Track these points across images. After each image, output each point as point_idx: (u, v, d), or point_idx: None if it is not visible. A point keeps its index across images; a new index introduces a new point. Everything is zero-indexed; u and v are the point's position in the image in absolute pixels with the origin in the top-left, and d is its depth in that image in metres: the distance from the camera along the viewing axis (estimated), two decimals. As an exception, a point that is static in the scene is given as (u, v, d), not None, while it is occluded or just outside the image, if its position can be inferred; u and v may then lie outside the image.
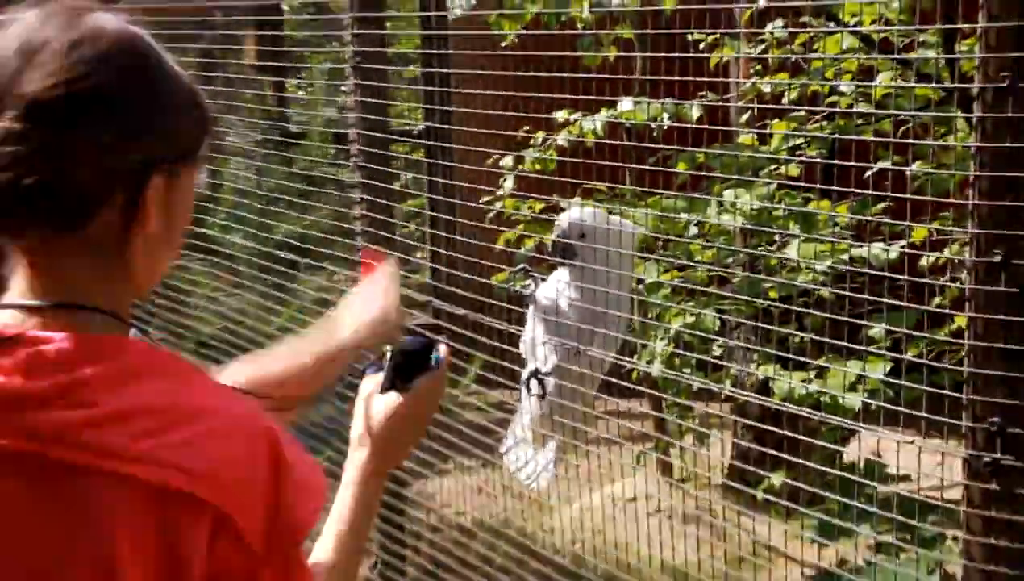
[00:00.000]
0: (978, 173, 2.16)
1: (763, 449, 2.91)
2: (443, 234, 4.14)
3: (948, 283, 2.94)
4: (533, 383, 3.62)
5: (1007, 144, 2.11)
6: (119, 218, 1.52)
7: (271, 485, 1.51)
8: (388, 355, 2.07)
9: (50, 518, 1.47)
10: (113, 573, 1.45)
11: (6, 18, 1.52)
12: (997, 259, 2.12)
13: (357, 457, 1.96)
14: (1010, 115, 2.10)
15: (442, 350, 2.08)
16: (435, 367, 2.05)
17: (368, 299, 2.31)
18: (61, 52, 1.47)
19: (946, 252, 2.74)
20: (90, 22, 1.51)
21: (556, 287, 3.60)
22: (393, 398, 1.99)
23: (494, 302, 3.77)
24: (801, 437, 2.88)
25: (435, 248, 4.22)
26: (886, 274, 2.71)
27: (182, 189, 1.60)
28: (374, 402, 1.99)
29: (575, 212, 3.46)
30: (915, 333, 2.66)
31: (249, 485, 1.49)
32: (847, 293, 2.73)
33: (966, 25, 2.95)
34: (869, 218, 3.05)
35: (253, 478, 1.50)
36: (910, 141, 2.97)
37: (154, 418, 1.47)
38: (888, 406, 2.64)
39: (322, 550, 1.82)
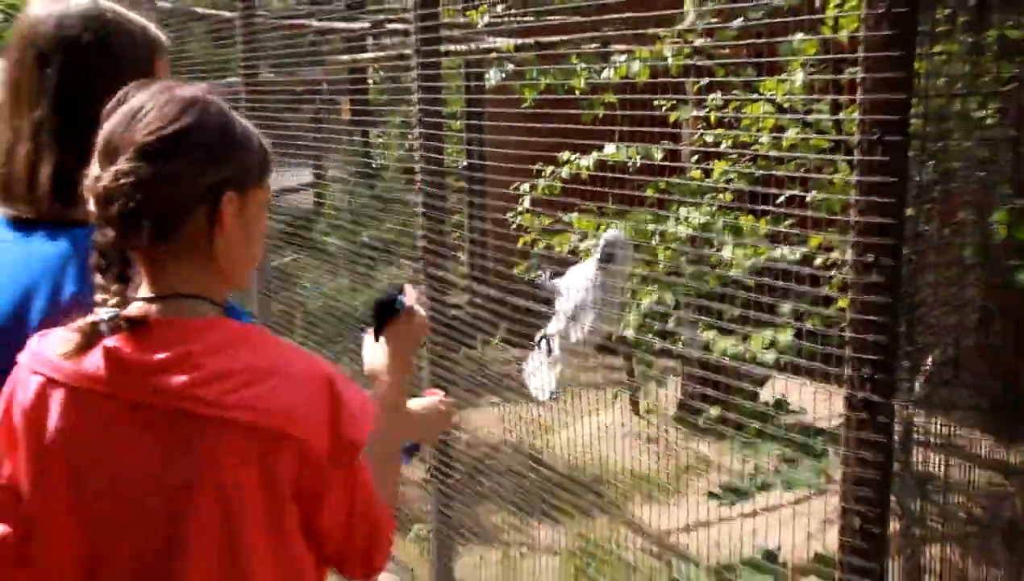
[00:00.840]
0: (857, 198, 2.15)
1: (704, 390, 2.91)
2: (478, 238, 4.17)
3: (834, 274, 2.95)
4: (543, 343, 3.63)
5: (877, 178, 2.11)
6: (204, 226, 1.52)
7: (332, 416, 1.51)
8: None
9: (175, 453, 1.47)
10: (225, 490, 1.47)
11: (121, 95, 1.54)
12: (870, 259, 2.13)
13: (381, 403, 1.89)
14: (879, 158, 2.10)
15: (407, 295, 1.97)
16: (399, 310, 1.94)
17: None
18: (156, 112, 1.50)
19: (834, 254, 2.74)
20: (176, 92, 1.53)
21: (577, 278, 3.62)
22: (372, 346, 1.96)
23: (515, 286, 3.78)
24: (731, 382, 2.90)
25: (472, 247, 4.23)
26: (795, 269, 2.73)
27: (251, 204, 1.58)
28: (364, 353, 1.96)
29: (613, 232, 3.53)
30: (812, 309, 2.67)
31: (316, 418, 1.49)
32: (765, 281, 2.75)
33: (847, 97, 2.95)
34: (780, 230, 3.07)
35: (318, 413, 1.50)
36: (808, 176, 3.00)
37: (243, 376, 1.47)
38: (795, 359, 2.65)
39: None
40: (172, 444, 1.47)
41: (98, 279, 1.51)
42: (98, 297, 1.50)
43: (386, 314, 1.95)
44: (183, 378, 1.45)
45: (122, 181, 1.45)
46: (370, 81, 5.42)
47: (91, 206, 1.50)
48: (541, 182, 3.76)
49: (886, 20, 2.08)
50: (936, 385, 2.61)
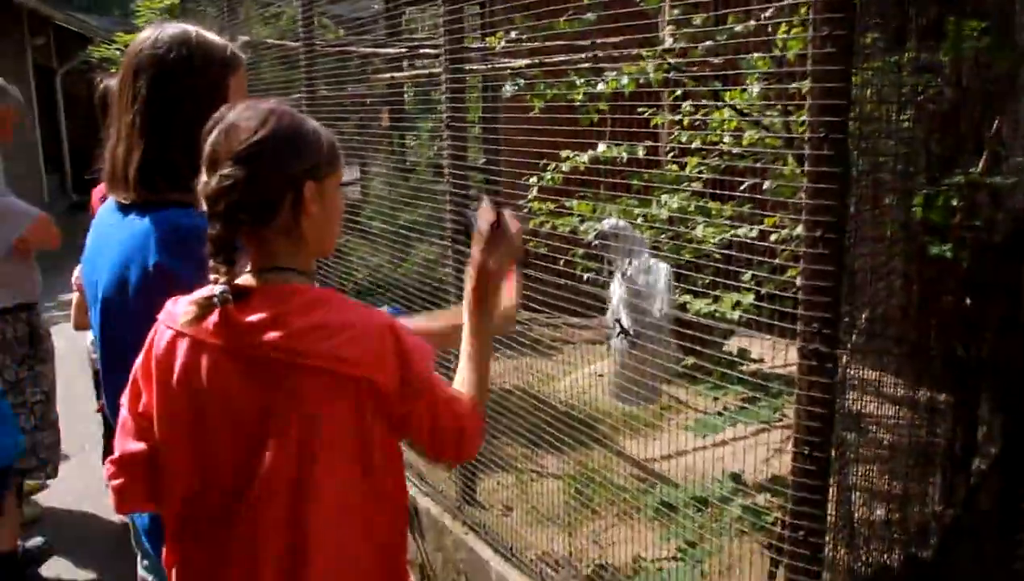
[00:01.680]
0: (808, 185, 2.15)
1: (681, 343, 2.93)
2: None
3: (785, 248, 2.95)
4: (618, 326, 3.57)
5: (824, 169, 2.11)
6: (291, 210, 1.60)
7: (398, 358, 1.55)
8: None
9: (270, 391, 1.54)
10: (307, 420, 1.52)
11: (217, 115, 1.62)
12: (818, 234, 2.13)
13: (465, 304, 1.86)
14: (826, 153, 2.10)
15: (505, 217, 1.86)
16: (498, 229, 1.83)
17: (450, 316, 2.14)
18: (243, 125, 1.58)
19: (785, 232, 2.74)
20: (257, 107, 1.60)
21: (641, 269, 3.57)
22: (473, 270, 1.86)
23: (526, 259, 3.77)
24: (703, 336, 2.91)
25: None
26: (757, 244, 2.74)
27: (328, 189, 1.65)
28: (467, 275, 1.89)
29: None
30: (769, 277, 2.69)
31: (385, 361, 1.54)
32: (731, 253, 2.77)
33: (795, 104, 2.95)
34: (742, 212, 3.09)
35: (386, 356, 1.54)
36: (766, 167, 3.00)
37: (324, 330, 1.52)
38: (756, 318, 2.67)
39: (458, 378, 1.80)
40: (269, 385, 1.53)
41: (211, 263, 1.57)
42: (211, 276, 1.57)
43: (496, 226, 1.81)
44: (276, 334, 1.52)
45: (224, 184, 1.53)
46: (405, 95, 5.43)
47: (203, 206, 1.58)
48: (547, 175, 3.76)
49: (829, 40, 2.08)
50: (868, 338, 2.61)
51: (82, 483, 5.38)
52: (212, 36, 1.96)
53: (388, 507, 1.67)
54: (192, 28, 1.94)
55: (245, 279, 1.61)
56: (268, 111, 1.60)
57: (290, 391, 1.52)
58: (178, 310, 1.62)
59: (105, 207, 2.00)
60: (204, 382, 1.59)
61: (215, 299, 1.54)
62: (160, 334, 1.66)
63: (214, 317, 1.56)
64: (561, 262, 3.45)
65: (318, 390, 1.52)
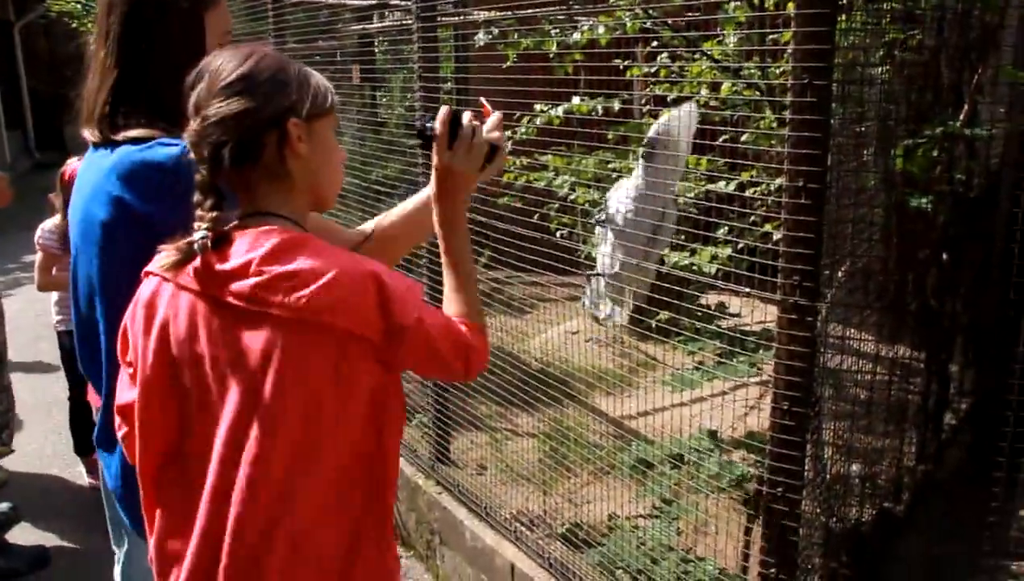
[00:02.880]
0: (790, 133, 2.10)
1: (658, 297, 2.90)
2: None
3: (766, 201, 2.92)
4: (593, 282, 3.48)
5: (807, 116, 2.05)
6: (276, 150, 1.57)
7: (380, 305, 1.50)
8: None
9: (245, 345, 1.51)
10: (286, 372, 1.49)
11: (200, 66, 1.59)
12: (800, 184, 2.09)
13: (435, 218, 1.78)
14: (809, 100, 2.04)
15: (462, 118, 1.74)
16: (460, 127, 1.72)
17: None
18: (223, 66, 1.57)
19: (778, 182, 2.71)
20: (237, 50, 1.60)
21: (624, 196, 3.37)
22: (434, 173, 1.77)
23: (497, 213, 3.72)
24: (681, 290, 2.88)
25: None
26: (738, 194, 2.71)
27: (318, 131, 1.61)
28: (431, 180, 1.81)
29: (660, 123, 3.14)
30: (748, 226, 2.66)
31: (365, 310, 1.49)
32: (708, 204, 2.73)
33: (777, 47, 2.90)
34: (719, 164, 3.05)
35: (366, 305, 1.49)
36: (748, 115, 2.96)
37: (300, 277, 1.47)
38: (735, 270, 2.64)
39: (446, 301, 1.76)
40: (241, 334, 1.51)
41: (197, 210, 1.55)
42: (195, 223, 1.55)
43: (455, 129, 1.72)
44: (248, 283, 1.48)
45: (206, 124, 1.53)
46: (376, 49, 5.33)
47: (192, 155, 1.57)
48: (520, 129, 3.70)
49: (813, -15, 2.02)
50: (847, 292, 2.60)
51: (49, 447, 5.32)
52: None
53: (375, 460, 1.61)
54: None
55: (221, 228, 1.56)
56: (248, 52, 1.58)
57: (263, 340, 1.49)
58: (161, 256, 1.59)
59: (86, 155, 1.98)
60: (182, 330, 1.56)
61: (195, 245, 1.52)
62: (146, 282, 1.64)
63: (194, 263, 1.54)
64: (535, 217, 3.40)
65: (290, 340, 1.48)
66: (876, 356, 2.78)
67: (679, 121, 2.98)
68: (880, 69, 2.55)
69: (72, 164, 4.42)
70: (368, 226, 2.10)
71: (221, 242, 1.54)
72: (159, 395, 1.61)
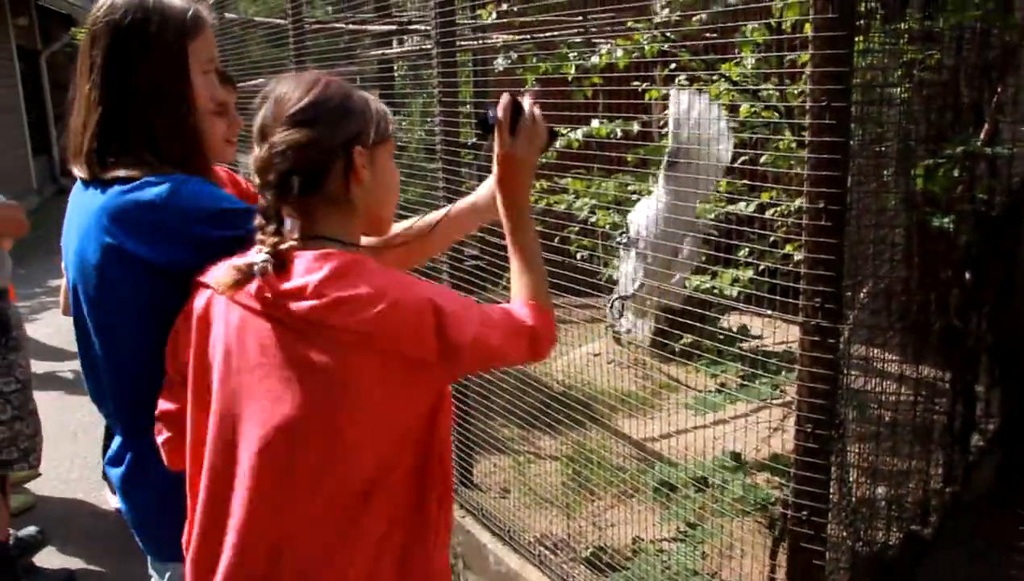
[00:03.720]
0: (809, 155, 2.11)
1: (681, 320, 2.88)
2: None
3: (781, 223, 2.90)
4: (616, 304, 3.48)
5: (827, 138, 2.06)
6: (341, 178, 1.60)
7: (436, 327, 1.51)
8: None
9: (302, 364, 1.52)
10: (342, 391, 1.50)
11: (265, 90, 1.64)
12: (820, 206, 2.09)
13: (501, 210, 1.82)
14: (828, 122, 2.06)
15: (523, 104, 1.82)
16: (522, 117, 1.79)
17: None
18: (289, 94, 1.60)
19: (798, 202, 2.70)
20: (302, 77, 1.64)
21: (645, 210, 3.31)
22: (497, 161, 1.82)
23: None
24: (704, 312, 2.86)
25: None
26: (758, 216, 2.70)
27: (378, 158, 1.65)
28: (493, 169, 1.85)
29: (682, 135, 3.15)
30: (768, 249, 2.65)
31: (422, 331, 1.50)
32: (729, 226, 2.72)
33: (791, 72, 2.90)
34: (739, 186, 3.04)
35: (423, 326, 1.50)
36: (768, 138, 2.95)
37: (358, 301, 1.48)
38: (756, 293, 2.63)
39: (512, 282, 1.79)
40: (299, 353, 1.52)
41: (259, 235, 1.59)
42: (256, 247, 1.57)
43: (516, 116, 1.78)
44: (310, 303, 1.50)
45: (274, 151, 1.56)
46: (395, 74, 5.36)
47: (255, 180, 1.61)
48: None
49: (832, 7, 2.03)
50: (869, 313, 2.58)
51: (75, 471, 5.35)
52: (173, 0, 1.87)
53: (429, 465, 1.62)
54: None
55: (282, 252, 1.58)
56: (314, 79, 1.61)
57: (319, 360, 1.50)
58: (219, 273, 1.62)
59: (75, 189, 1.96)
60: (234, 345, 1.58)
61: (255, 268, 1.55)
62: (200, 295, 1.67)
63: (255, 283, 1.56)
64: (556, 239, 3.40)
65: (347, 360, 1.49)
66: (900, 376, 2.75)
67: (707, 122, 2.91)
68: (899, 89, 2.54)
69: None
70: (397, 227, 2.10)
71: (281, 265, 1.56)
72: (207, 406, 1.62)
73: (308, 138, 1.56)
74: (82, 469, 5.36)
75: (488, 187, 2.02)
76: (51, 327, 7.96)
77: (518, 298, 1.76)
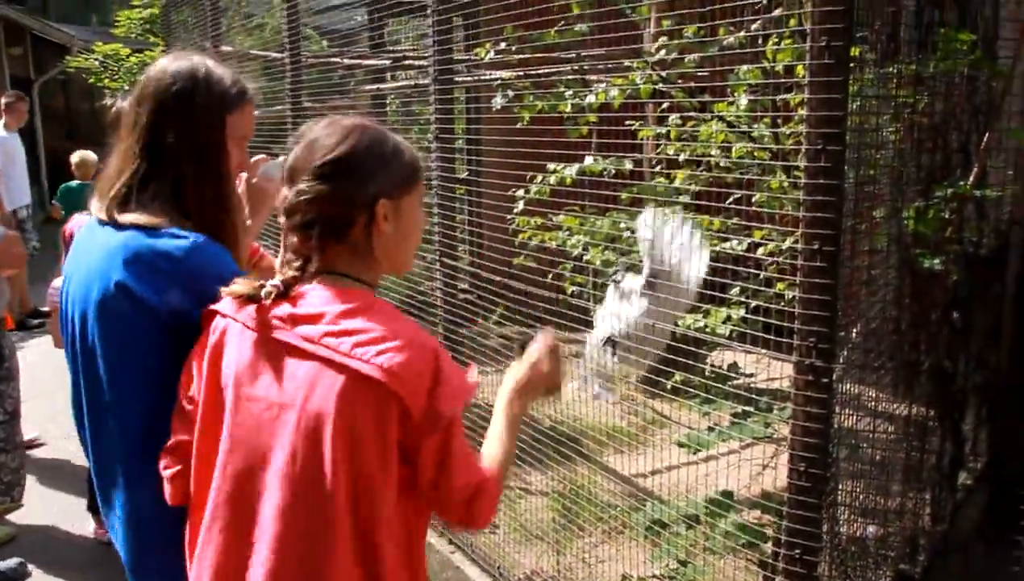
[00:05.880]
0: (804, 198, 2.12)
1: (671, 357, 2.88)
2: (476, 233, 4.13)
3: (774, 262, 2.91)
4: (608, 346, 3.48)
5: (821, 181, 2.08)
6: (364, 228, 1.62)
7: (431, 386, 1.51)
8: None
9: (311, 387, 1.53)
10: (345, 421, 1.51)
11: (301, 130, 1.67)
12: (815, 247, 2.10)
13: (503, 392, 1.84)
14: (823, 165, 2.07)
15: (540, 338, 1.90)
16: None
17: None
18: (322, 142, 1.61)
19: (788, 242, 2.71)
20: (339, 124, 1.63)
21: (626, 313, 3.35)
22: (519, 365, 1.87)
23: (508, 271, 3.74)
24: (696, 350, 2.86)
25: (472, 238, 4.18)
26: (750, 255, 2.71)
27: (405, 207, 1.65)
28: (517, 363, 1.88)
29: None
30: (760, 289, 2.66)
31: (419, 384, 1.50)
32: (720, 266, 2.73)
33: (787, 114, 2.92)
34: (730, 224, 3.06)
35: (422, 380, 1.50)
36: (761, 179, 2.97)
37: (369, 335, 1.50)
38: (750, 331, 2.63)
39: (484, 449, 1.76)
40: (310, 380, 1.53)
41: (282, 267, 1.65)
42: (278, 276, 1.63)
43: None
44: (322, 328, 1.53)
45: (301, 198, 1.58)
46: (389, 107, 5.39)
47: (282, 219, 1.64)
48: (533, 188, 3.73)
49: (827, 51, 2.05)
50: (860, 353, 2.59)
51: (57, 502, 5.28)
52: (222, 72, 1.98)
53: (411, 525, 1.62)
54: (204, 63, 1.96)
55: (292, 283, 1.62)
56: (351, 128, 1.62)
57: (334, 391, 1.51)
58: (232, 285, 1.66)
59: (87, 225, 2.01)
60: (245, 370, 1.60)
61: (263, 290, 1.59)
62: (216, 321, 1.69)
63: (257, 306, 1.60)
64: (549, 276, 3.40)
65: (358, 396, 1.50)
66: (890, 415, 2.76)
67: (684, 253, 2.99)
68: (891, 131, 2.56)
69: (75, 221, 4.42)
70: None
71: (291, 292, 1.60)
72: (217, 434, 1.63)
73: (332, 192, 1.58)
74: (65, 499, 5.28)
75: None
76: (40, 355, 7.89)
77: (487, 461, 1.72)
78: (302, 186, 1.59)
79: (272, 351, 1.58)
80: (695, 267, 2.93)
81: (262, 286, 1.60)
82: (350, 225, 1.60)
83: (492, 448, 1.75)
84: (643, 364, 3.07)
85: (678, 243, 2.95)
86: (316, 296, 1.58)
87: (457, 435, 1.57)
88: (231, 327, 1.65)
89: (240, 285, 1.64)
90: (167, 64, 1.95)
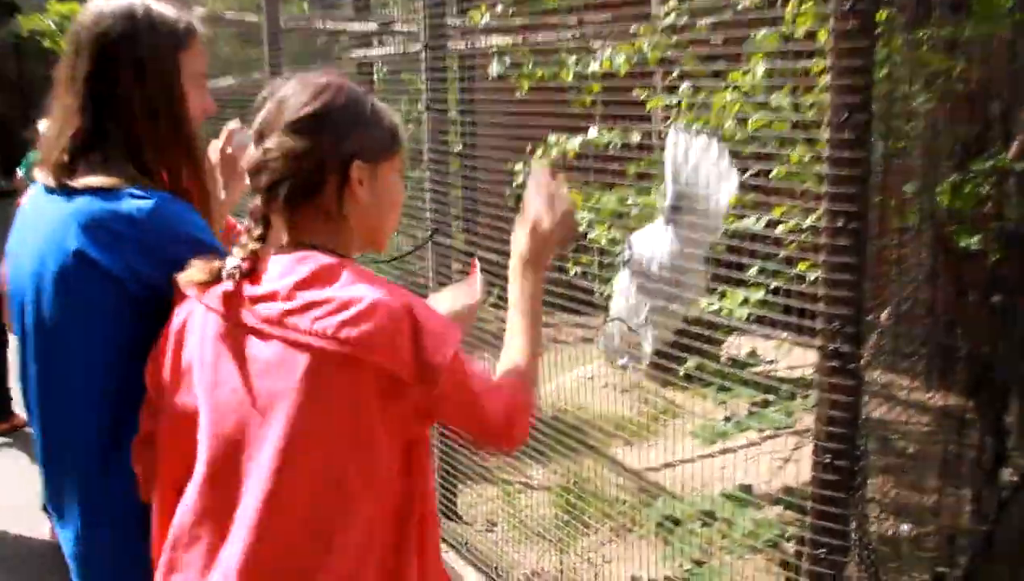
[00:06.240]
0: (828, 172, 2.13)
1: (683, 341, 2.89)
2: (472, 208, 4.13)
3: (795, 240, 2.92)
4: (615, 329, 3.45)
5: (846, 153, 2.09)
6: (336, 191, 1.60)
7: (413, 342, 1.49)
8: None
9: (274, 368, 1.52)
10: (312, 402, 1.50)
11: (271, 87, 1.65)
12: (840, 224, 2.11)
13: (513, 274, 1.83)
14: (847, 136, 2.08)
15: (531, 183, 1.87)
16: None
17: (460, 295, 2.08)
18: (295, 98, 1.60)
19: (810, 219, 2.71)
20: (313, 80, 1.63)
21: (652, 244, 3.31)
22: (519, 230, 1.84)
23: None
24: (709, 333, 2.87)
25: (467, 215, 4.18)
26: (770, 233, 2.72)
27: (382, 175, 1.65)
28: (518, 229, 1.85)
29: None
30: (782, 268, 2.66)
31: (397, 344, 1.48)
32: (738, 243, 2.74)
33: (808, 82, 2.92)
34: (747, 201, 3.05)
35: (399, 338, 1.49)
36: (781, 152, 2.97)
37: (331, 305, 1.48)
38: (769, 314, 2.64)
39: (503, 355, 1.77)
40: (276, 364, 1.52)
41: (242, 238, 1.61)
42: (234, 249, 1.61)
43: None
44: (280, 306, 1.52)
45: (268, 156, 1.57)
46: (375, 75, 5.36)
47: (247, 181, 1.63)
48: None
49: (852, 15, 2.05)
50: (890, 338, 2.60)
51: (8, 503, 5.26)
52: (163, 8, 1.89)
53: (411, 503, 1.61)
54: (140, 0, 1.88)
55: (253, 261, 1.60)
56: (325, 85, 1.61)
57: (288, 369, 1.51)
58: (189, 270, 1.64)
59: (33, 193, 1.96)
60: (209, 355, 1.60)
61: (224, 272, 1.58)
62: (180, 306, 1.68)
63: (224, 286, 1.58)
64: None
65: (317, 369, 1.49)
66: (924, 406, 2.77)
67: (706, 166, 2.93)
68: (922, 100, 2.57)
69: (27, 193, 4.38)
70: None
71: (254, 268, 1.59)
72: (184, 422, 1.63)
73: (304, 149, 1.56)
74: (16, 496, 5.27)
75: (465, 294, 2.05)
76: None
77: (509, 365, 1.73)
78: (269, 144, 1.57)
79: (236, 335, 1.57)
80: (724, 192, 2.89)
81: (221, 267, 1.59)
82: (320, 185, 1.59)
83: (514, 348, 1.75)
84: (675, 316, 3.01)
85: (706, 165, 2.91)
86: (274, 269, 1.57)
87: (464, 374, 1.57)
88: (195, 310, 1.64)
89: (197, 269, 1.62)
90: (101, 6, 1.86)
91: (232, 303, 1.57)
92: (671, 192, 3.14)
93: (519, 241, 1.84)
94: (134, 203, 1.74)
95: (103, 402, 1.80)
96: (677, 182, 3.12)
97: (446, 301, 2.06)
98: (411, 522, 1.61)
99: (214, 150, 2.21)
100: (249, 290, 1.56)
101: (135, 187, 1.77)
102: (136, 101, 1.81)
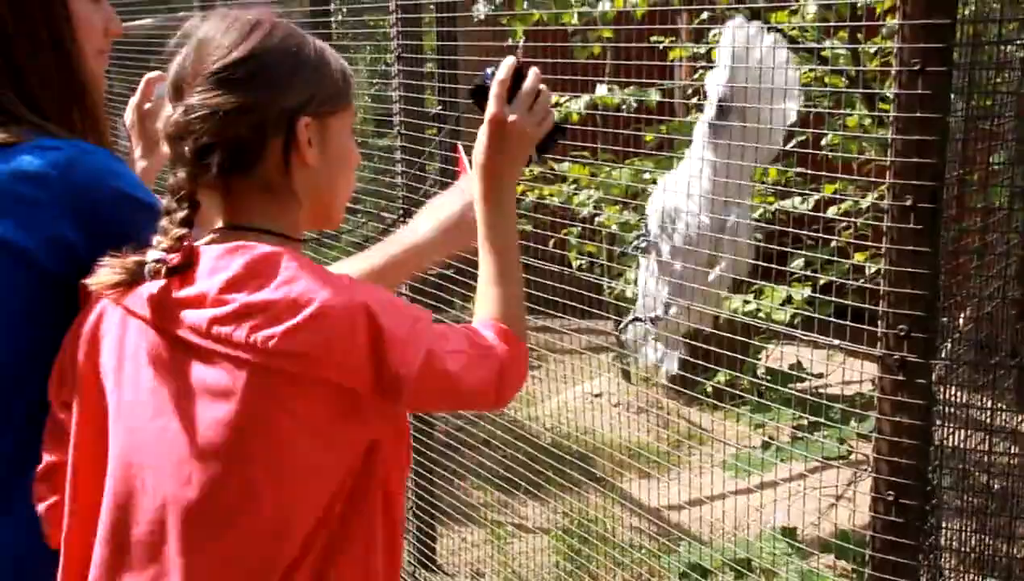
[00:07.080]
0: (894, 137, 2.09)
1: (712, 350, 2.85)
2: (453, 184, 4.13)
3: (855, 224, 2.90)
4: (637, 327, 3.43)
5: (917, 114, 2.05)
6: (280, 158, 1.56)
7: (372, 350, 1.47)
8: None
9: (209, 390, 1.49)
10: (254, 426, 1.49)
11: (185, 30, 1.60)
12: (908, 203, 2.08)
13: (474, 184, 1.79)
14: (920, 92, 2.04)
15: (530, 72, 1.79)
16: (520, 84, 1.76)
17: (449, 204, 2.03)
18: (218, 41, 1.54)
19: (870, 198, 2.67)
20: (238, 17, 1.57)
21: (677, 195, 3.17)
22: (485, 125, 1.79)
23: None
24: (742, 339, 2.83)
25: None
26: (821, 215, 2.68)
27: (332, 131, 1.61)
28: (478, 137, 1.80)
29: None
30: (834, 259, 2.64)
31: (353, 354, 1.46)
32: (774, 227, 2.70)
33: (871, 24, 2.89)
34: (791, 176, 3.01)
35: (354, 347, 1.46)
36: (833, 112, 2.92)
37: (270, 311, 1.45)
38: (816, 316, 2.61)
39: (477, 308, 1.77)
40: (198, 377, 1.50)
41: (164, 221, 1.55)
42: (155, 238, 1.54)
43: (518, 82, 1.77)
44: (208, 314, 1.48)
45: (191, 115, 1.51)
46: (334, 19, 5.35)
47: (164, 148, 1.60)
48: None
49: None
50: (969, 346, 2.56)
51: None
52: None
53: (366, 537, 1.59)
54: None
55: (182, 254, 1.54)
56: (255, 22, 1.56)
57: (219, 388, 1.48)
58: (101, 271, 1.57)
59: None
60: (128, 367, 1.56)
61: (145, 268, 1.52)
62: (92, 306, 1.64)
63: (148, 288, 1.53)
64: (551, 243, 3.36)
65: (254, 387, 1.47)
66: (1013, 432, 2.74)
67: (762, 59, 2.78)
68: (1018, 45, 2.52)
69: None
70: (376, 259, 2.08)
71: (184, 266, 1.53)
72: (99, 451, 1.60)
73: (237, 104, 1.51)
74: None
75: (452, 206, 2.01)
76: None
77: (485, 316, 1.73)
78: (192, 100, 1.51)
79: (158, 344, 1.54)
80: (789, 105, 2.76)
81: (140, 264, 1.53)
82: (261, 151, 1.54)
83: (489, 299, 1.75)
84: (712, 292, 2.92)
85: (767, 68, 2.77)
86: (203, 265, 1.52)
87: (439, 363, 1.54)
88: (110, 310, 1.60)
89: (109, 270, 1.56)
90: None
91: (159, 308, 1.53)
92: (721, 91, 2.98)
93: (478, 147, 1.78)
94: (40, 158, 1.69)
95: (13, 419, 1.75)
96: (733, 79, 2.95)
97: (432, 218, 2.03)
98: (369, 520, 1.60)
99: (131, 107, 2.19)
100: (176, 291, 1.52)
101: (42, 138, 1.73)
102: (11, 26, 1.76)
